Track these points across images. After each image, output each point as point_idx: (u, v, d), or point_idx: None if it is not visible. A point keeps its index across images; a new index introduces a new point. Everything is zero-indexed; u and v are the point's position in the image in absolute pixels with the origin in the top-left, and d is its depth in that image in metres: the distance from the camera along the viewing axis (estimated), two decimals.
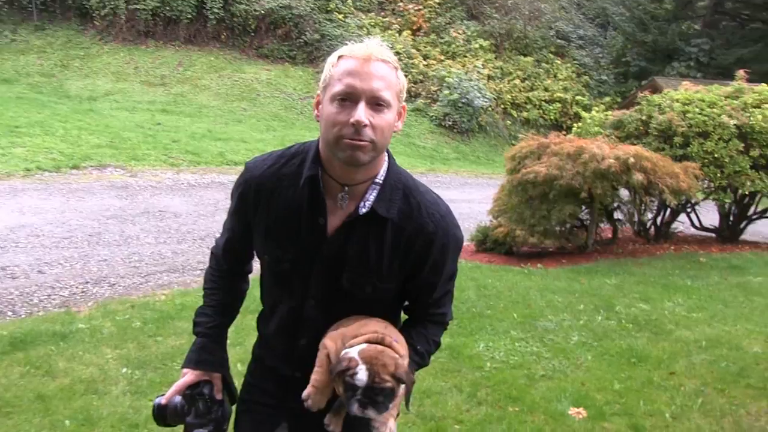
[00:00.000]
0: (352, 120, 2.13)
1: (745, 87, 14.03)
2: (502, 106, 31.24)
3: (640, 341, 7.52)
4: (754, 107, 13.06)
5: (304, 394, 2.31)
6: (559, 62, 34.62)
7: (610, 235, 13.35)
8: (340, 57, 2.24)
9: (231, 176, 16.26)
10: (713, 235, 14.58)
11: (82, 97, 24.12)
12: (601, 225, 13.24)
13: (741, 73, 14.78)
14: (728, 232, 14.42)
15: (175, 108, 24.45)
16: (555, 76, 33.79)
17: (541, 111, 31.86)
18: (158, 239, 11.10)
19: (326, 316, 2.43)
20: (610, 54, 36.61)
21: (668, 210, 13.77)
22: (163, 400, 2.51)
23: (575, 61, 35.30)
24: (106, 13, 27.35)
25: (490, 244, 12.37)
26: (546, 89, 32.68)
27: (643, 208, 13.32)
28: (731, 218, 14.48)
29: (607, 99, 32.45)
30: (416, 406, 5.56)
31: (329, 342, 2.32)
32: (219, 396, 2.59)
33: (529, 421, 5.43)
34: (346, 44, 2.29)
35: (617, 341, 7.49)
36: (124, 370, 6.00)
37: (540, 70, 33.73)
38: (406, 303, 2.60)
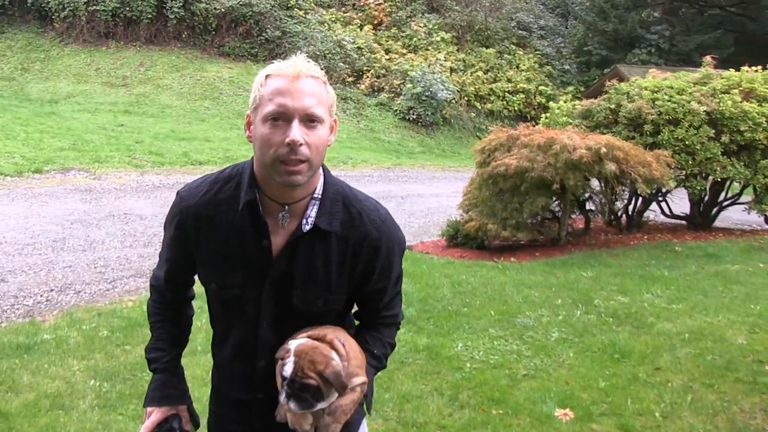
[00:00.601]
0: (287, 140, 2.12)
1: (713, 73, 13.97)
2: (466, 98, 31.08)
3: (621, 336, 7.35)
4: (723, 93, 12.99)
5: (289, 422, 2.26)
6: (521, 53, 34.55)
7: (581, 226, 13.20)
8: (267, 76, 2.22)
9: (196, 176, 15.92)
10: (684, 222, 14.49)
11: (44, 100, 23.83)
12: (573, 216, 13.06)
13: (708, 59, 14.66)
14: (700, 219, 14.33)
15: (138, 109, 24.15)
16: (517, 67, 33.67)
17: (504, 102, 31.77)
18: (124, 243, 10.79)
19: (280, 335, 2.37)
20: (571, 43, 36.54)
21: (640, 199, 13.66)
22: None
23: (537, 52, 35.24)
24: (66, 15, 27.03)
25: (461, 239, 12.17)
26: (509, 80, 32.56)
27: (614, 197, 13.17)
28: (702, 205, 14.39)
29: (571, 88, 32.47)
30: (396, 411, 5.40)
31: None
32: (188, 427, 2.59)
33: (515, 424, 5.24)
34: (278, 62, 2.27)
35: (598, 336, 7.32)
36: (92, 382, 5.74)
37: (502, 62, 33.64)
38: (355, 309, 2.59)
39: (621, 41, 34.58)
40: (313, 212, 2.30)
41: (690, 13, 38.06)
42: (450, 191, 16.23)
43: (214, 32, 29.08)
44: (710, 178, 13.29)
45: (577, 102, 15.41)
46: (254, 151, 2.25)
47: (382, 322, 2.55)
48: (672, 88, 13.12)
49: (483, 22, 34.77)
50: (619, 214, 13.92)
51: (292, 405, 2.17)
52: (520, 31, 36.20)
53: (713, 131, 12.55)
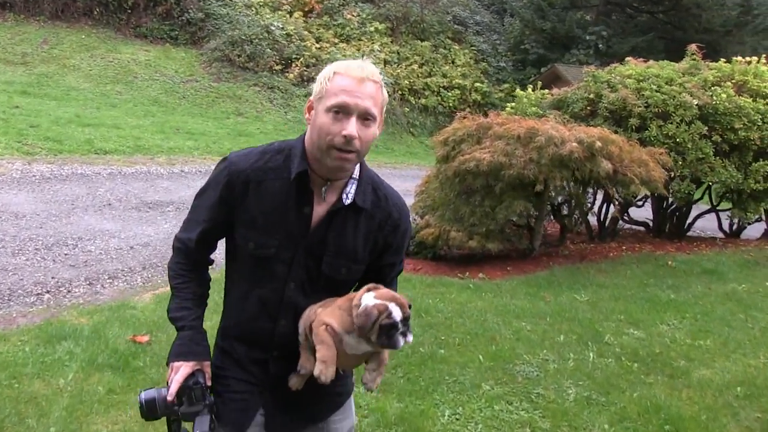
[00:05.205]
0: (344, 133, 2.33)
1: (700, 63, 12.31)
2: (400, 92, 29.63)
3: (657, 390, 5.46)
4: (714, 85, 11.33)
5: (316, 371, 2.36)
6: (456, 48, 33.71)
7: (551, 234, 11.39)
8: (335, 73, 2.40)
9: (97, 167, 13.73)
10: (643, 228, 12.87)
11: None
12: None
13: (693, 47, 12.92)
14: (674, 228, 12.62)
15: (39, 90, 21.62)
16: (453, 62, 32.78)
17: (439, 98, 30.63)
18: None
19: (304, 298, 2.53)
20: (507, 41, 36.18)
21: (612, 203, 11.86)
22: (169, 396, 2.44)
23: (473, 48, 34.56)
24: None
25: (414, 248, 10.20)
26: (444, 75, 31.55)
27: (592, 200, 11.33)
28: (676, 211, 12.68)
29: (506, 86, 31.67)
30: None
31: (327, 318, 2.39)
32: (209, 383, 2.56)
33: None
34: (346, 61, 2.50)
35: (628, 392, 5.39)
36: None
37: (438, 56, 32.63)
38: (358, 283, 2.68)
39: (558, 41, 34.40)
40: (352, 189, 2.52)
41: (622, 17, 38.37)
42: None
43: (130, 11, 27.18)
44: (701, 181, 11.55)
45: (547, 91, 13.50)
46: (310, 133, 2.45)
47: None
48: (659, 77, 11.40)
49: (418, 15, 33.67)
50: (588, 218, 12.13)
51: (410, 338, 2.32)
52: (455, 26, 35.39)
53: (706, 128, 10.87)
